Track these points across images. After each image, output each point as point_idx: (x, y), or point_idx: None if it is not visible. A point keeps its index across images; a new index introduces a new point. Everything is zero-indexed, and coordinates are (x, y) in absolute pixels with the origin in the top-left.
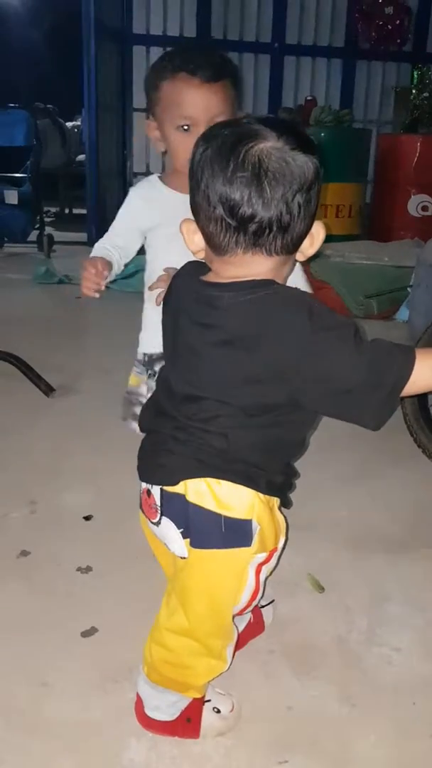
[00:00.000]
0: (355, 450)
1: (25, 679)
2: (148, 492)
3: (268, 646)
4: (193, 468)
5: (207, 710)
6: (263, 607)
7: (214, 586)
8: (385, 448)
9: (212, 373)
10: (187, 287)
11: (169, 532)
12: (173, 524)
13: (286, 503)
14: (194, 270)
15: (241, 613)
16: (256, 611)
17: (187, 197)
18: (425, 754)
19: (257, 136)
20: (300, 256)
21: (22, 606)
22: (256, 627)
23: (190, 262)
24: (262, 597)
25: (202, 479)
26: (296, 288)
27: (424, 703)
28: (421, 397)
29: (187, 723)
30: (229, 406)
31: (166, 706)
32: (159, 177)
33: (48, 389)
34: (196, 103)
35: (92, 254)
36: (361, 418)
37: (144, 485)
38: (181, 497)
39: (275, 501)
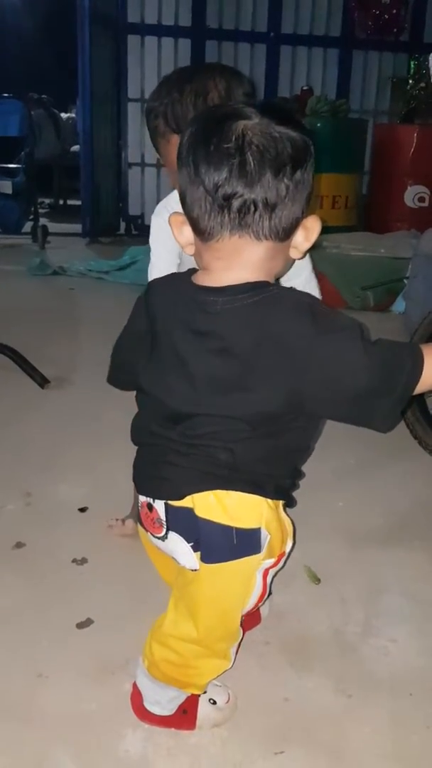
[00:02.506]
0: (352, 442)
1: (21, 670)
2: (149, 506)
3: (264, 637)
4: (200, 481)
5: (203, 702)
6: None
7: (223, 597)
8: (382, 440)
9: (206, 383)
10: (176, 294)
11: (177, 546)
12: (182, 538)
13: (290, 503)
14: (182, 277)
15: (248, 614)
16: None
17: None
18: (421, 745)
19: (242, 114)
20: (294, 252)
21: (17, 597)
22: (252, 619)
23: (170, 274)
24: (269, 597)
25: (211, 492)
26: (293, 289)
27: (421, 694)
28: None
29: (184, 714)
30: (227, 420)
31: (165, 701)
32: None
33: (43, 381)
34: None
35: None
36: (371, 422)
37: (144, 499)
38: (188, 511)
39: (280, 503)
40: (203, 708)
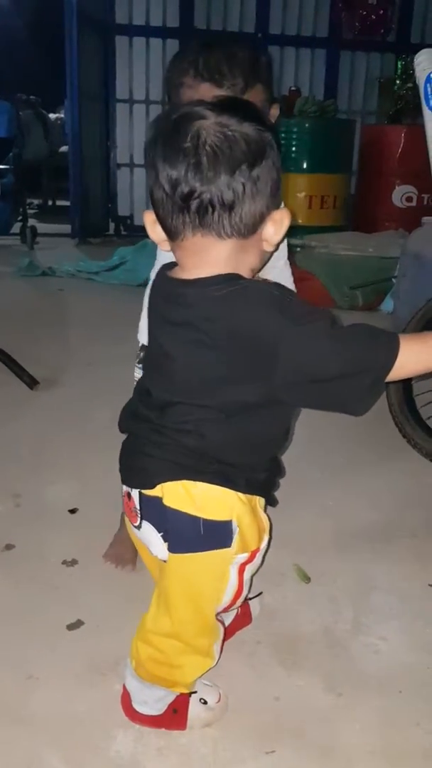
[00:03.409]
0: (341, 441)
1: (11, 671)
2: (129, 495)
3: (254, 637)
4: (170, 471)
5: (194, 702)
6: (251, 599)
7: (195, 589)
8: (371, 439)
9: (185, 374)
10: (157, 288)
11: (149, 536)
12: (154, 528)
13: (271, 502)
14: (165, 269)
15: (225, 611)
16: (244, 603)
17: None
18: (411, 742)
19: (198, 114)
20: (266, 245)
21: (7, 599)
22: (243, 619)
23: (165, 264)
24: (246, 596)
25: (179, 482)
26: (264, 281)
27: (410, 692)
28: (407, 388)
29: (174, 714)
30: (204, 409)
31: (153, 701)
32: None
33: (32, 382)
34: None
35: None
36: (345, 405)
37: (125, 488)
38: (159, 500)
39: (258, 500)
40: (194, 708)
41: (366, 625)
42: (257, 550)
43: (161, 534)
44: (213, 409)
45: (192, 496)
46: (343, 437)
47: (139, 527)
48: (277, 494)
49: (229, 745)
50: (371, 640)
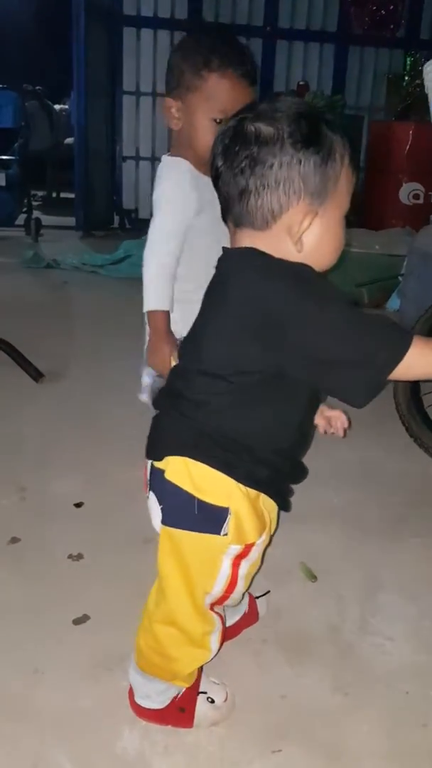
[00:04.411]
0: (348, 439)
1: (17, 666)
2: (147, 467)
3: (261, 635)
4: (176, 445)
5: (201, 700)
6: (258, 597)
7: (184, 565)
8: (378, 437)
9: (202, 334)
10: None
11: (153, 505)
12: (155, 499)
13: (283, 506)
14: None
15: (219, 603)
16: (251, 601)
17: (208, 179)
18: (418, 743)
19: (245, 115)
20: (291, 242)
21: (13, 593)
22: (249, 617)
23: None
24: (244, 593)
25: (182, 458)
26: (295, 262)
27: (417, 692)
28: (414, 387)
29: (181, 713)
30: (219, 379)
31: (155, 694)
32: (174, 157)
33: (37, 375)
34: (238, 104)
35: (154, 303)
36: (344, 393)
37: (146, 461)
38: (161, 473)
39: (262, 497)
40: (201, 706)
41: (373, 624)
42: (252, 544)
43: (161, 507)
44: (224, 380)
45: (191, 475)
46: (349, 435)
47: (147, 497)
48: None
49: (235, 743)
50: (378, 639)
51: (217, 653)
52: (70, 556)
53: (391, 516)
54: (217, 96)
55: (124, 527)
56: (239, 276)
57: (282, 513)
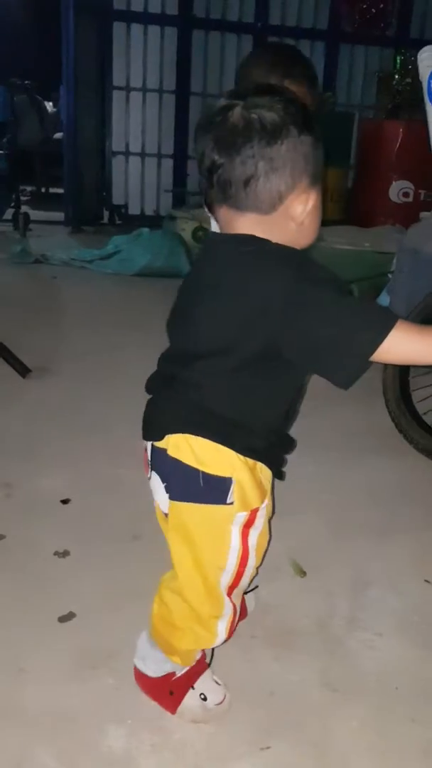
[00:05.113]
0: (337, 435)
1: (1, 665)
2: (146, 449)
3: (249, 631)
4: (175, 424)
5: (193, 694)
6: (246, 593)
7: (194, 542)
8: (367, 433)
9: (201, 323)
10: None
11: (156, 486)
12: (159, 479)
13: (278, 475)
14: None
15: (236, 584)
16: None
17: None
18: (407, 738)
19: (235, 102)
20: (294, 224)
21: None
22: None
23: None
24: (258, 567)
25: (183, 435)
26: (289, 246)
27: (406, 687)
28: (404, 384)
29: (170, 695)
30: (212, 361)
31: (151, 660)
32: None
33: (24, 370)
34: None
35: None
36: (331, 372)
37: (144, 443)
38: (164, 451)
39: (259, 466)
40: (190, 699)
41: (362, 620)
42: (257, 509)
43: (165, 485)
44: (220, 361)
45: (194, 450)
46: (338, 431)
47: (150, 479)
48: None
49: (224, 740)
50: (367, 635)
51: (223, 642)
52: (56, 553)
53: (380, 512)
54: None
55: (111, 524)
56: (235, 263)
57: (272, 510)
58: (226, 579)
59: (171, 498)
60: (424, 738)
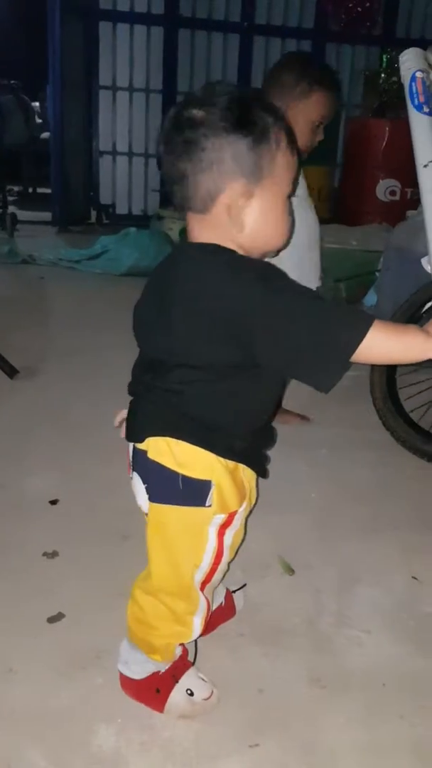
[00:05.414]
0: (325, 433)
1: None
2: (128, 450)
3: (238, 629)
4: (155, 426)
5: (179, 689)
6: (235, 591)
7: (171, 543)
8: (355, 431)
9: (176, 330)
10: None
11: (137, 486)
12: (140, 479)
13: (261, 473)
14: None
15: (208, 579)
16: (228, 595)
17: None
18: (395, 735)
19: (179, 103)
20: (230, 225)
21: None
22: (227, 611)
23: None
24: (229, 563)
25: (163, 438)
26: (248, 257)
27: (394, 684)
28: (390, 382)
29: (156, 694)
30: (185, 367)
31: (133, 663)
32: None
33: (12, 371)
34: (331, 113)
35: None
36: (312, 377)
37: (127, 444)
38: (145, 454)
39: (241, 467)
40: (176, 695)
41: (350, 617)
42: (235, 512)
43: (145, 486)
44: (193, 367)
45: (173, 453)
46: (326, 429)
47: (132, 479)
48: (261, 486)
49: (212, 738)
50: (355, 632)
51: (197, 637)
52: (45, 554)
53: (368, 509)
54: (322, 108)
55: (100, 524)
56: (204, 276)
57: (260, 508)
58: (200, 576)
59: (150, 500)
60: (411, 734)
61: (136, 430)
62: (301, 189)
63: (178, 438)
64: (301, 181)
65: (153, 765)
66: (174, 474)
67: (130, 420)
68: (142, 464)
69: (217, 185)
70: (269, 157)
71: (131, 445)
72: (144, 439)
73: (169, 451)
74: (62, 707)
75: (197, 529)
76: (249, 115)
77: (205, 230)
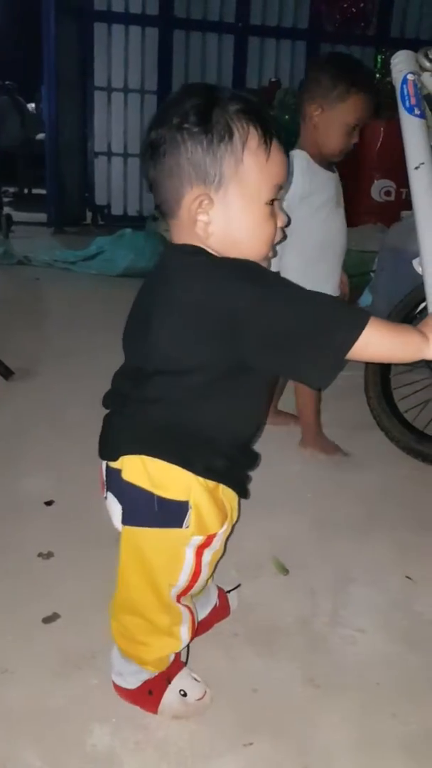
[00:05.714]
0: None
1: None
2: (102, 468)
3: (232, 629)
4: (131, 444)
5: (172, 689)
6: (229, 591)
7: (146, 564)
8: (350, 431)
9: (156, 334)
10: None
11: (112, 506)
12: (115, 499)
13: (242, 494)
14: None
15: (184, 593)
16: (222, 595)
17: (328, 174)
18: (389, 734)
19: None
20: (203, 232)
21: None
22: (220, 611)
23: None
24: (207, 580)
25: (138, 456)
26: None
27: (388, 683)
28: (385, 381)
29: (149, 696)
30: (166, 374)
31: (128, 674)
32: (296, 150)
33: (7, 372)
34: (367, 116)
35: None
36: (307, 375)
37: (101, 462)
38: (119, 473)
39: (221, 487)
40: (169, 695)
41: (344, 616)
42: (214, 534)
43: (121, 507)
44: (183, 378)
45: (149, 472)
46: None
47: (105, 498)
48: (255, 486)
49: (206, 737)
50: (349, 632)
51: (188, 643)
52: (40, 555)
53: (362, 509)
54: (356, 110)
55: (95, 525)
56: (184, 278)
57: (255, 508)
58: (175, 591)
59: (124, 523)
60: (405, 732)
61: (109, 447)
62: (324, 194)
63: (153, 456)
64: (328, 185)
65: (147, 764)
66: (149, 495)
67: (103, 435)
68: (117, 484)
69: (178, 191)
70: (232, 160)
71: (104, 462)
72: (118, 457)
73: (144, 471)
74: (57, 707)
75: (174, 549)
76: (206, 117)
77: (181, 234)
